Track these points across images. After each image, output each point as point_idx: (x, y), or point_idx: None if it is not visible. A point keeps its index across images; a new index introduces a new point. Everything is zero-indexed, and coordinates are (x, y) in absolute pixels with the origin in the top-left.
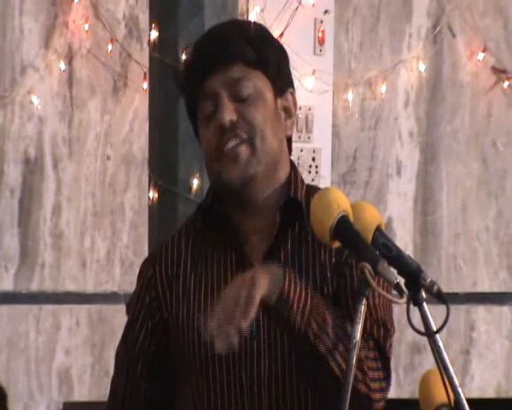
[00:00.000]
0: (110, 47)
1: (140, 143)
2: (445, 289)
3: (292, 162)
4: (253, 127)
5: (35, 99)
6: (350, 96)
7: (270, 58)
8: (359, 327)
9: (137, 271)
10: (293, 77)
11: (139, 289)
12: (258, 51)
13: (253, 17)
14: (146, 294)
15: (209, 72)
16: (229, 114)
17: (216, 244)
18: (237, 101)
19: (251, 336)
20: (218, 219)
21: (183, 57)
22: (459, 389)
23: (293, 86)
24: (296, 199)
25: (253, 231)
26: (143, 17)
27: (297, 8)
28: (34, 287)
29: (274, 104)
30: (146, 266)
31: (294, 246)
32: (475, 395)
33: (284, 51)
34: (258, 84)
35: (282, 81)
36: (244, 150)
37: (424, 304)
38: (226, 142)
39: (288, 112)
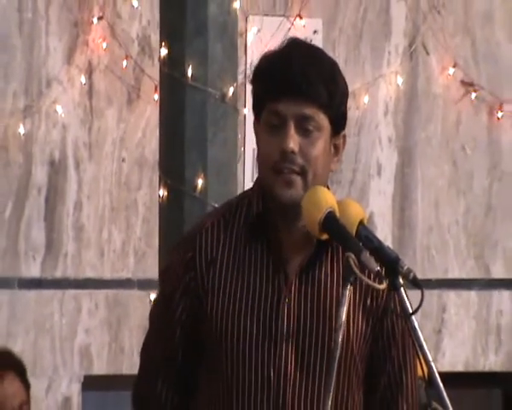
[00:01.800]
0: (125, 63)
1: (151, 148)
2: (419, 276)
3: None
4: (308, 163)
5: (59, 108)
6: None
7: (337, 103)
8: (344, 309)
9: (149, 260)
10: None
11: (178, 267)
12: (331, 97)
13: (250, 37)
14: (185, 273)
15: (284, 95)
16: (292, 144)
17: (256, 245)
18: (300, 135)
19: (281, 336)
20: (263, 224)
21: (266, 56)
22: (432, 364)
23: (344, 128)
24: None
25: (292, 245)
26: (155, 37)
27: (289, 28)
28: (58, 274)
29: (329, 142)
30: (185, 246)
31: (325, 267)
32: (446, 369)
33: (347, 92)
34: (321, 124)
35: (341, 124)
36: (297, 180)
37: (401, 289)
38: (284, 167)
39: (337, 150)
